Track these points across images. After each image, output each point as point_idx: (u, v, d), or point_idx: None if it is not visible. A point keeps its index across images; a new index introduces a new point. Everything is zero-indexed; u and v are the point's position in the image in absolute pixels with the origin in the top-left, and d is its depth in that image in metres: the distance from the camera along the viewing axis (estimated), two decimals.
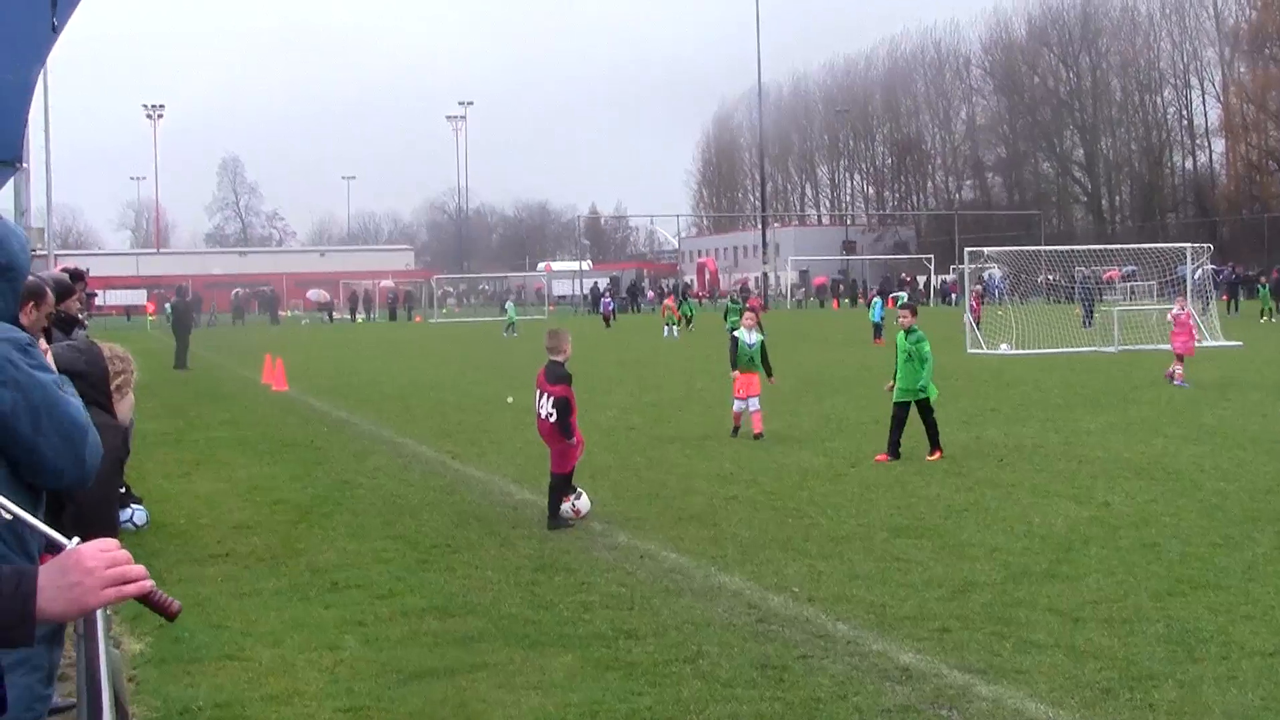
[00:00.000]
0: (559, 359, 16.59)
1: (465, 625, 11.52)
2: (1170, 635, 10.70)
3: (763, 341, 24.88)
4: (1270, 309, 68.03)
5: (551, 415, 16.25)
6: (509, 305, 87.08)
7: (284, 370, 39.14)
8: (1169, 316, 36.35)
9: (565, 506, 16.44)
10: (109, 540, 3.77)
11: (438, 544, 15.23)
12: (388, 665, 10.37)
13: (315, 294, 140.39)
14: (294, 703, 9.52)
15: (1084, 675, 9.73)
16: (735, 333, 25.45)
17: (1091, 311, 58.07)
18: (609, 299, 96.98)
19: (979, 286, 67.55)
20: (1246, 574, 12.79)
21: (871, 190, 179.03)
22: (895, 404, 21.59)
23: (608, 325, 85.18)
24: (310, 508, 17.93)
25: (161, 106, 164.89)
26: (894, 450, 21.17)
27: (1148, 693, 9.32)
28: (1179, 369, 33.43)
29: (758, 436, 23.84)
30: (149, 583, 3.81)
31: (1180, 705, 9.04)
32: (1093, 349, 47.74)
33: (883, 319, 54.48)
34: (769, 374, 24.91)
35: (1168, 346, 39.72)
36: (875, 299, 63.19)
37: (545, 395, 16.38)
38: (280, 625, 11.67)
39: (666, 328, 71.08)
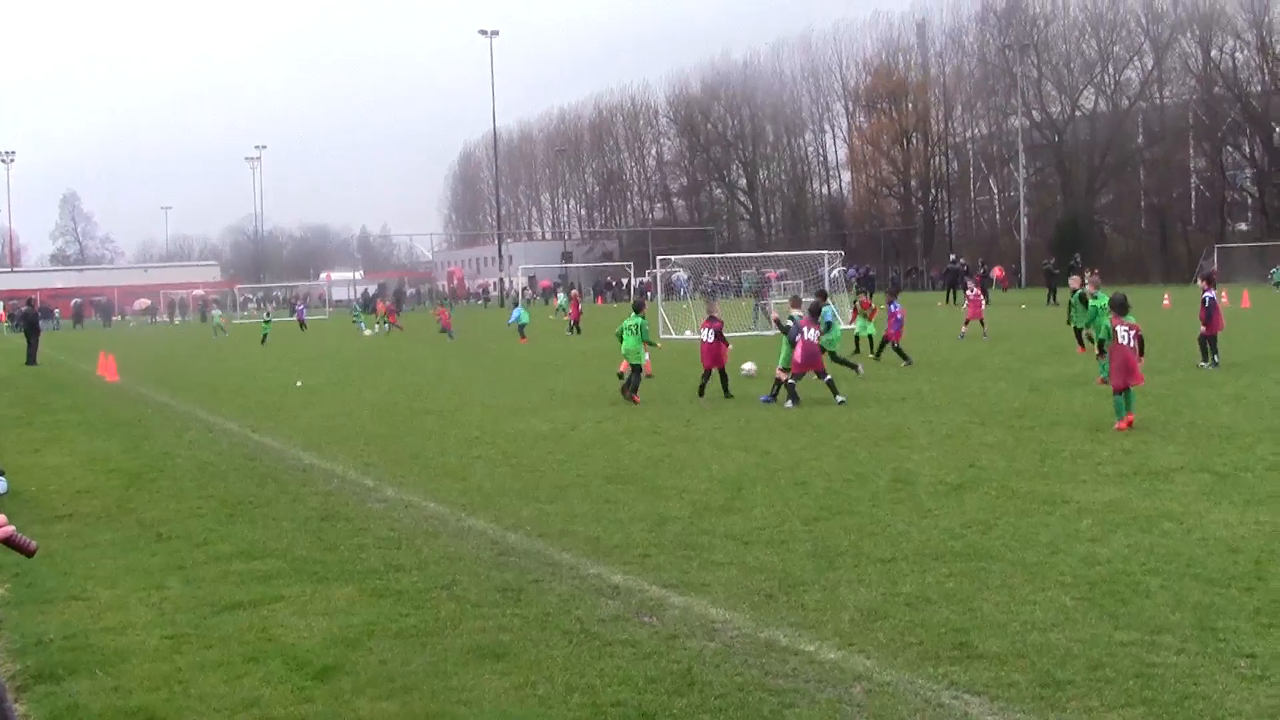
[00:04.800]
0: (716, 313, 24.69)
1: (266, 566, 11.27)
2: (816, 551, 10.97)
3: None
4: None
5: (710, 338, 24.24)
6: (266, 314, 78.36)
7: (115, 364, 37.93)
8: (968, 293, 42.28)
9: (747, 367, 26.83)
10: None
11: (242, 501, 14.90)
12: (204, 600, 10.10)
13: (140, 302, 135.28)
14: (127, 633, 9.23)
15: (753, 584, 9.92)
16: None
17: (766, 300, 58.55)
18: (303, 306, 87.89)
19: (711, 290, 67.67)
20: (871, 502, 13.18)
21: (584, 211, 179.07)
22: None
23: (303, 328, 75.64)
24: (139, 474, 17.43)
25: (13, 153, 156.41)
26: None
27: (800, 595, 9.54)
28: (983, 329, 39.21)
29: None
30: (10, 529, 3.83)
31: (824, 603, 9.28)
32: (755, 332, 48.60)
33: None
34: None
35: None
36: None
37: (709, 329, 24.39)
38: (116, 570, 11.31)
39: (379, 325, 67.05)
